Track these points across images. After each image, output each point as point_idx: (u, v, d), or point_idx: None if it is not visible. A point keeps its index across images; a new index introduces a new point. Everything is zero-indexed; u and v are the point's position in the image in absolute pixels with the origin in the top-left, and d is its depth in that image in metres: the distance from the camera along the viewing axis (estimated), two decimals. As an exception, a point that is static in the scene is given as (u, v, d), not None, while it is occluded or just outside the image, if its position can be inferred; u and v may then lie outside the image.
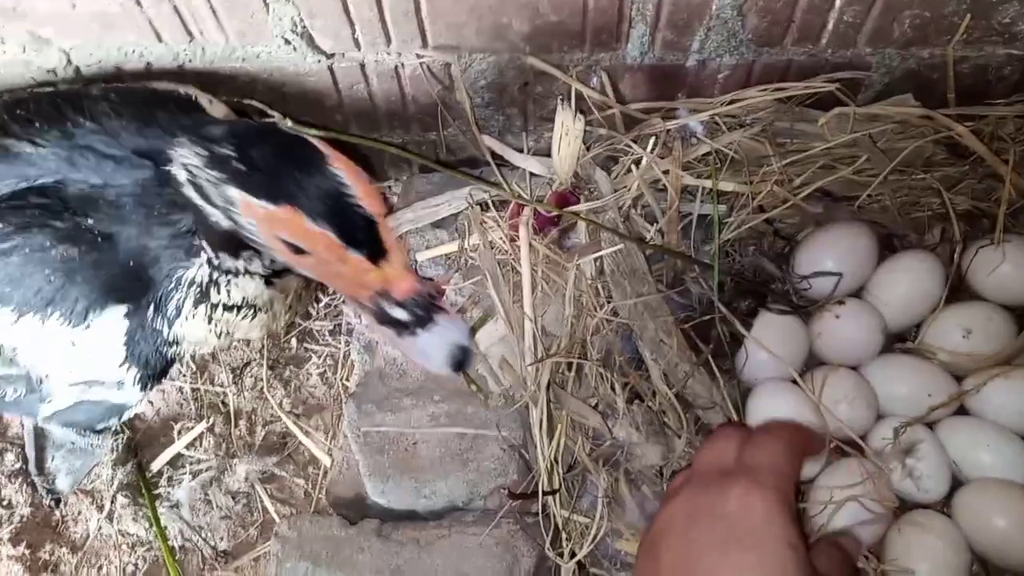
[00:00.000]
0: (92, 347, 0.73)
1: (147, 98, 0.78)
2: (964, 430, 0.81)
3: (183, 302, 0.75)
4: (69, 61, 0.86)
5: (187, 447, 0.94)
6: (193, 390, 0.97)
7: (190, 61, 0.87)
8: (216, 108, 0.82)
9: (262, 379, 0.97)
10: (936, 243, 0.91)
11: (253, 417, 0.96)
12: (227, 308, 0.77)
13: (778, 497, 0.54)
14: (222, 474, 0.92)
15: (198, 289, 0.75)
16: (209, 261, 0.74)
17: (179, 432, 0.94)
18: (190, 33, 0.83)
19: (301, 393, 0.97)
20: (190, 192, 0.68)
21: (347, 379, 0.95)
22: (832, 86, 0.85)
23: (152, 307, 0.74)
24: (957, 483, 0.79)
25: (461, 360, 0.75)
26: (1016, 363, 0.84)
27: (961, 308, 0.86)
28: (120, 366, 0.75)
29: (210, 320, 0.77)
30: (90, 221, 0.71)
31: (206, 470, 0.92)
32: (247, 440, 0.95)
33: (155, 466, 0.94)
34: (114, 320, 0.73)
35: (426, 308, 0.71)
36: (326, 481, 0.89)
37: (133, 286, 0.73)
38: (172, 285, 0.74)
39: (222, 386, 0.97)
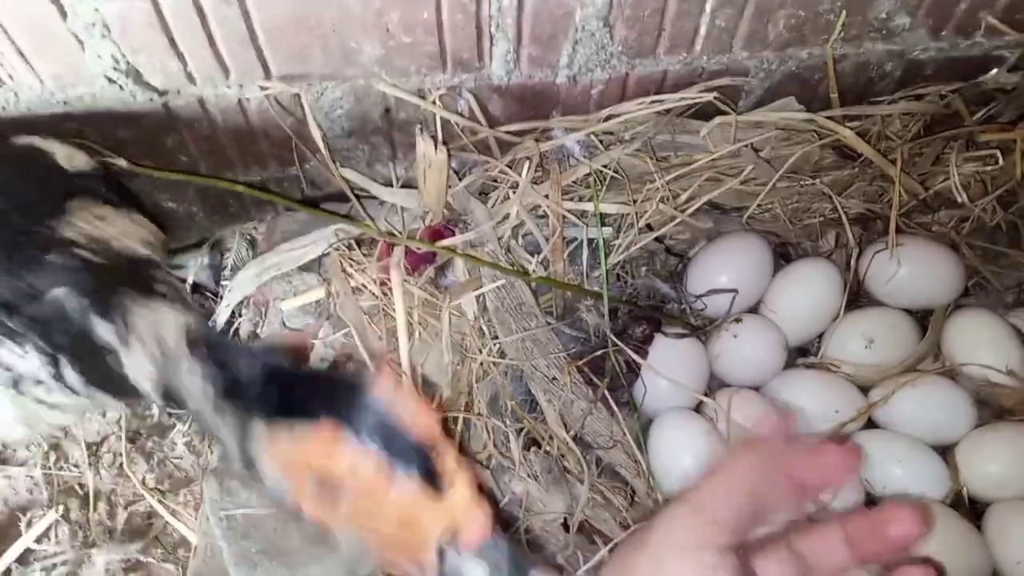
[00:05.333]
0: None
1: None
2: (874, 444, 0.79)
3: None
4: None
5: (37, 540, 0.83)
6: (44, 473, 0.86)
7: (4, 108, 0.77)
8: (77, 160, 0.72)
9: (121, 454, 0.87)
10: (831, 249, 0.88)
11: (113, 498, 0.86)
12: (41, 403, 0.67)
13: (691, 509, 0.48)
14: (79, 568, 0.82)
15: (6, 374, 0.64)
16: (48, 368, 0.63)
17: (28, 523, 0.84)
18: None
19: (166, 466, 0.87)
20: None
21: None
22: (710, 95, 0.81)
23: None
24: (870, 500, 0.77)
25: None
26: (922, 369, 0.81)
27: (862, 316, 0.84)
28: None
29: (15, 402, 0.66)
30: None
31: (60, 564, 0.82)
32: (107, 525, 0.84)
33: (2, 565, 0.83)
34: None
35: (515, 565, 0.53)
36: (191, 568, 0.79)
37: None
38: None
39: (76, 466, 0.87)
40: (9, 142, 0.71)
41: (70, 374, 0.62)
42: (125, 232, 0.67)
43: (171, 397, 0.59)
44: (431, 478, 0.51)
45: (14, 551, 0.82)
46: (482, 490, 0.55)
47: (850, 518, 0.49)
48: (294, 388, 0.54)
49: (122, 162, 0.71)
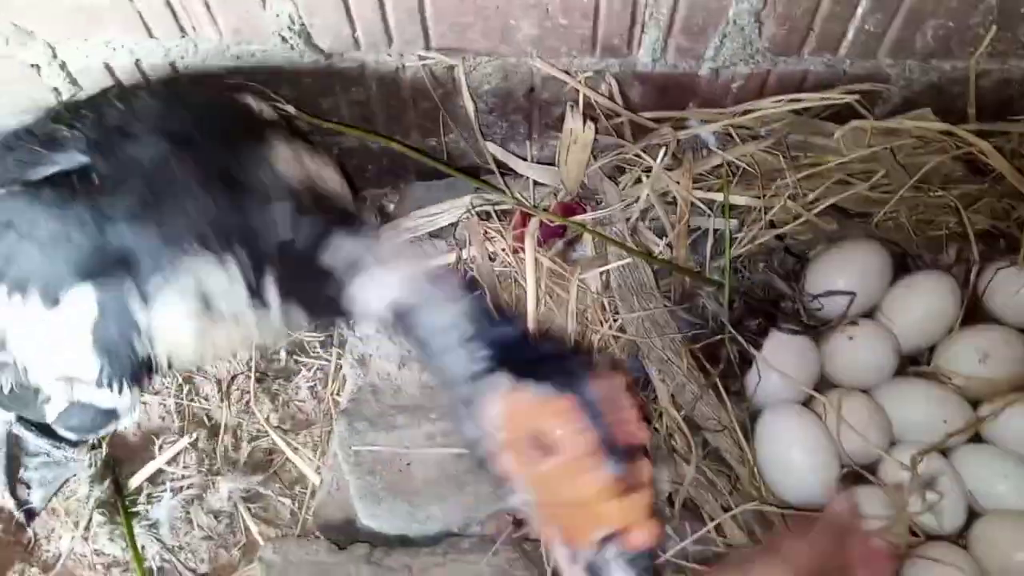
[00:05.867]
0: (61, 328, 0.68)
1: (184, 87, 0.79)
2: (980, 458, 0.79)
3: (171, 289, 0.68)
4: (55, 55, 0.82)
5: (168, 463, 0.89)
6: (176, 403, 0.93)
7: (182, 58, 0.83)
8: (266, 111, 0.79)
9: (249, 392, 0.92)
10: (951, 263, 0.88)
11: (238, 432, 0.92)
12: (224, 318, 0.70)
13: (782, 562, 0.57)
14: (204, 492, 0.88)
15: (199, 285, 0.68)
16: (250, 285, 0.68)
17: (160, 447, 0.90)
18: (182, 29, 0.79)
19: (289, 408, 0.93)
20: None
21: (338, 394, 0.90)
22: (851, 97, 0.83)
23: (133, 287, 0.68)
24: (973, 513, 0.77)
25: None
26: (1034, 389, 0.81)
27: (977, 331, 0.84)
28: (89, 354, 0.69)
29: (195, 316, 0.70)
30: (95, 200, 0.67)
31: (187, 487, 0.88)
32: (231, 456, 0.90)
33: (134, 483, 0.89)
34: (84, 298, 0.67)
35: None
36: (314, 502, 0.84)
37: (116, 265, 0.67)
38: (168, 270, 0.67)
39: (207, 399, 0.93)
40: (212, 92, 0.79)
41: (270, 285, 0.68)
42: (322, 175, 0.74)
43: (402, 319, 0.64)
44: (624, 477, 0.55)
45: (148, 469, 0.89)
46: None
47: None
48: (542, 356, 0.58)
49: (291, 108, 0.76)
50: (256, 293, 0.68)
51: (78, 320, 0.68)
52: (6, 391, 0.74)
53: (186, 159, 0.68)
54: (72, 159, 0.69)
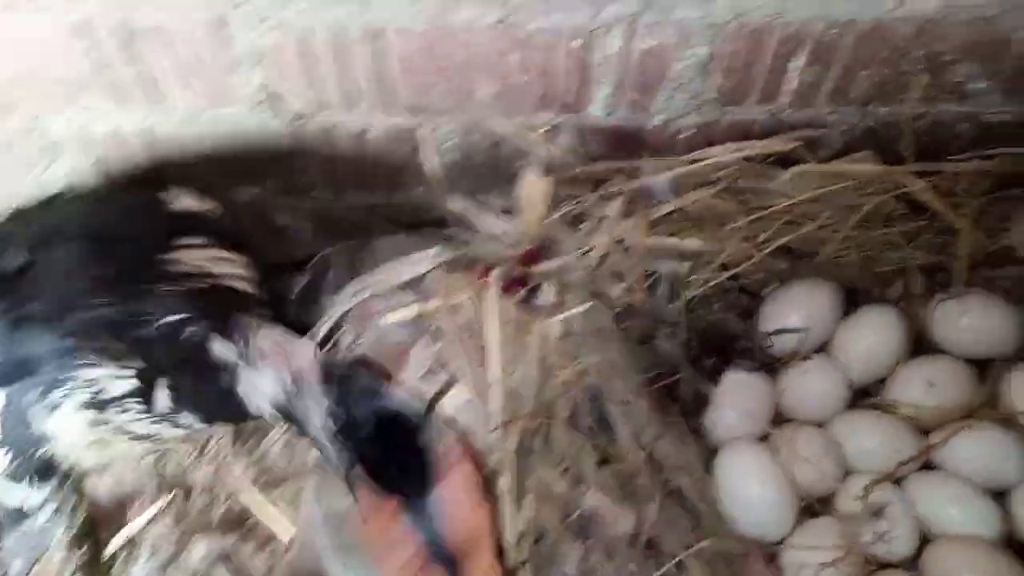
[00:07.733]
0: None
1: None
2: (931, 485, 0.82)
3: (67, 397, 0.69)
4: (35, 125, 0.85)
5: (145, 525, 0.89)
6: (155, 463, 0.94)
7: (158, 123, 0.86)
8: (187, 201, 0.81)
9: (225, 449, 0.93)
10: (898, 297, 0.92)
11: (214, 490, 0.91)
12: (119, 430, 0.72)
13: None
14: (180, 552, 0.88)
15: (93, 395, 0.69)
16: (140, 392, 0.69)
17: (136, 509, 0.91)
18: (159, 95, 0.82)
19: (264, 462, 0.93)
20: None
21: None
22: (793, 144, 0.87)
23: (37, 391, 0.68)
24: (925, 540, 0.79)
25: None
26: (980, 416, 0.84)
27: (925, 362, 0.87)
28: None
29: (93, 426, 0.71)
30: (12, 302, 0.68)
31: (164, 548, 0.88)
32: (206, 516, 0.90)
33: (111, 547, 0.88)
34: None
35: None
36: (286, 559, 0.85)
37: (20, 368, 0.68)
38: (68, 374, 0.68)
39: (183, 456, 0.94)
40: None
41: (161, 395, 0.69)
42: (224, 266, 0.76)
43: (290, 419, 0.67)
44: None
45: (125, 533, 0.89)
46: None
47: None
48: (390, 451, 0.63)
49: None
50: (149, 400, 0.70)
51: None
52: None
53: (100, 262, 0.69)
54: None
